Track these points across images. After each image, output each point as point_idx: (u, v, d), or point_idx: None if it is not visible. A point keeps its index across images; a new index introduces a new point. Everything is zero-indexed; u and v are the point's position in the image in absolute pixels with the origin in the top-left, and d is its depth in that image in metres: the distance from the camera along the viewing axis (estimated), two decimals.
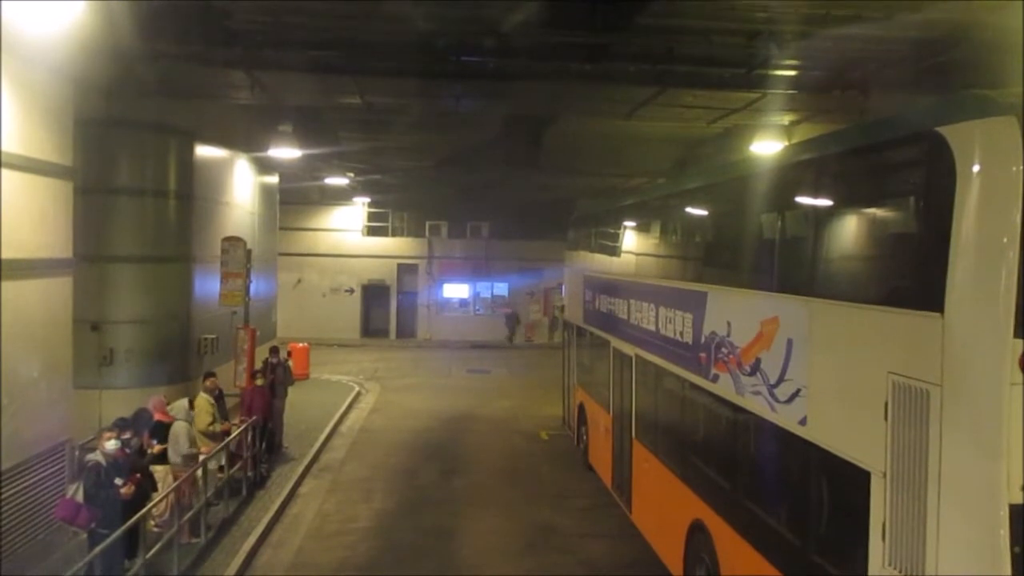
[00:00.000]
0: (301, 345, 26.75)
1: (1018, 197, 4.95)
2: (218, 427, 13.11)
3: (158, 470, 11.23)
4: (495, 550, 12.26)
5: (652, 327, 11.42)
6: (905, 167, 6.28)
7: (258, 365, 16.61)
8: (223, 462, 12.91)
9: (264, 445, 15.17)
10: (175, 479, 11.10)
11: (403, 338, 39.30)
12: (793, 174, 8.05)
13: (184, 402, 12.43)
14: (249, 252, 17.22)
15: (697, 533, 9.51)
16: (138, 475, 9.87)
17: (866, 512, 5.89)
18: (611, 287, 14.38)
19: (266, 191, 24.46)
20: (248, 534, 12.18)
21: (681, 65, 13.00)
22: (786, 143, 16.30)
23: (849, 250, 7.01)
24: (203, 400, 13.06)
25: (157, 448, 11.35)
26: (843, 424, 6.45)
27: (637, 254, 13.37)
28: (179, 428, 11.79)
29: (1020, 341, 4.94)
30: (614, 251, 14.78)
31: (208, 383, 13.44)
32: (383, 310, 39.78)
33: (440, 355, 34.55)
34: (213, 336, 17.37)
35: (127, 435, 10.06)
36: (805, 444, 6.87)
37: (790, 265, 7.72)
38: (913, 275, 5.85)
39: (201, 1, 11.34)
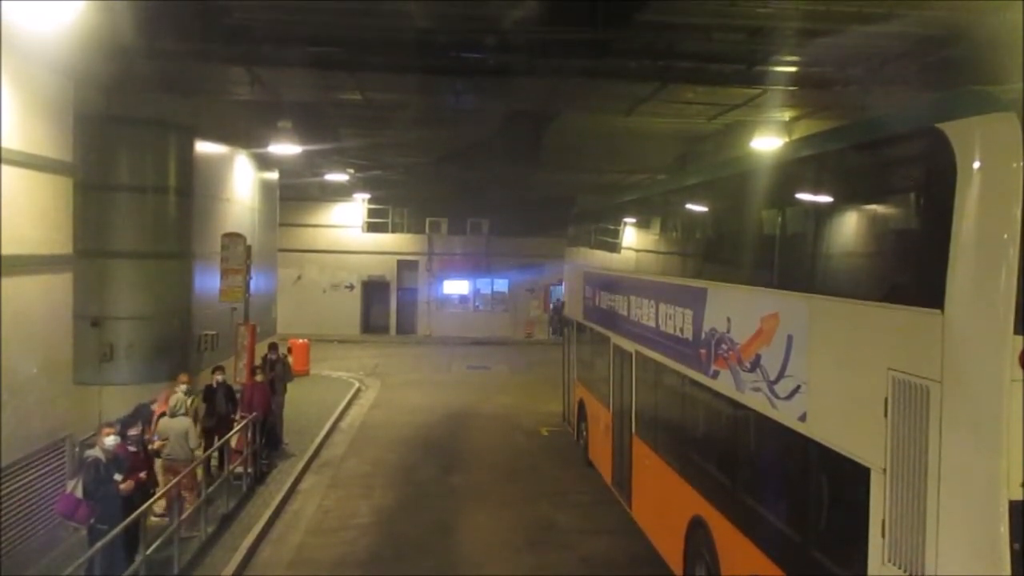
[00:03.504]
0: (301, 341, 26.76)
1: (1018, 194, 4.94)
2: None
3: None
4: (495, 546, 12.27)
5: (652, 323, 11.41)
6: (905, 163, 6.28)
7: (258, 361, 16.62)
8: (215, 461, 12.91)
9: (264, 441, 15.18)
10: (174, 475, 11.11)
11: (403, 334, 39.32)
12: (793, 170, 8.04)
13: (182, 397, 12.38)
14: (249, 248, 17.24)
15: (697, 529, 9.51)
16: (142, 474, 9.88)
17: (866, 508, 5.89)
18: (611, 283, 14.38)
19: (266, 187, 24.47)
20: (248, 530, 12.18)
21: (682, 61, 13.01)
22: (786, 139, 16.30)
23: (849, 246, 7.00)
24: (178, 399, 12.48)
25: (158, 444, 11.37)
26: (843, 420, 6.44)
27: (637, 250, 13.37)
28: (184, 424, 11.78)
29: (1020, 338, 4.93)
30: (615, 247, 14.77)
31: (182, 380, 12.83)
32: (383, 306, 39.79)
33: (440, 351, 34.55)
34: (213, 332, 17.38)
35: (134, 431, 10.07)
36: (805, 440, 6.87)
37: (790, 261, 7.72)
38: (913, 271, 5.85)
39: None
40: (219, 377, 14.11)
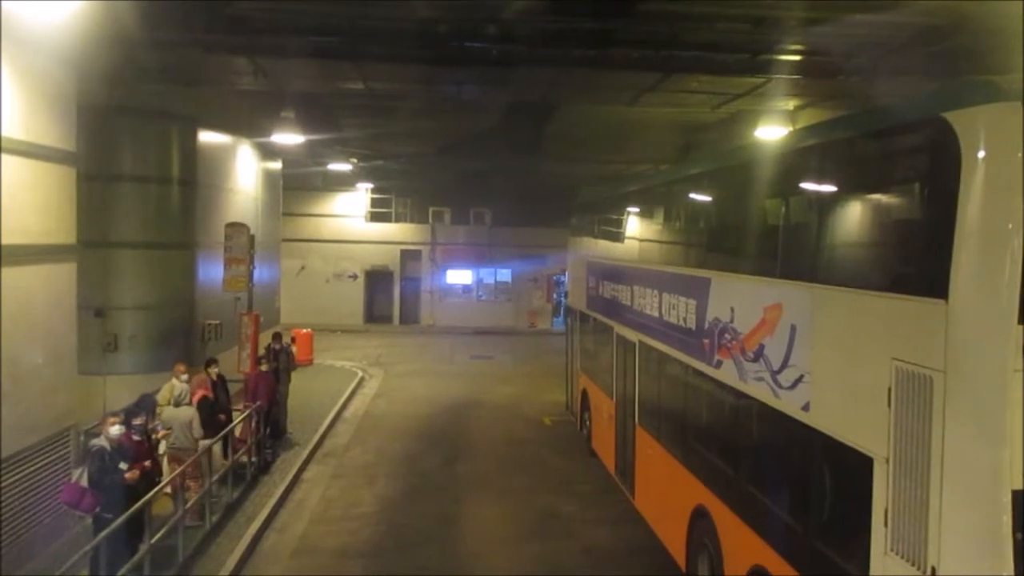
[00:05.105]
0: (305, 331, 26.79)
1: (1022, 183, 4.94)
2: None
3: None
4: (498, 535, 12.31)
5: (655, 313, 11.42)
6: (910, 153, 6.26)
7: (261, 351, 16.63)
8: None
9: (268, 431, 15.21)
10: (179, 465, 11.15)
11: (406, 324, 39.33)
12: (797, 160, 8.03)
13: (185, 386, 12.38)
14: (252, 238, 17.24)
15: (700, 518, 9.54)
16: (147, 463, 9.91)
17: (868, 498, 5.91)
18: (614, 273, 14.37)
19: (269, 177, 24.45)
20: (253, 519, 12.24)
21: (685, 51, 12.96)
22: (790, 129, 16.26)
23: (853, 236, 6.99)
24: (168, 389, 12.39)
25: (162, 434, 11.40)
26: (846, 410, 6.45)
27: (641, 240, 13.36)
28: (188, 413, 11.83)
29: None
30: (618, 237, 14.76)
31: (179, 370, 12.65)
32: (386, 296, 39.79)
33: (443, 341, 34.58)
34: (217, 322, 17.40)
35: (139, 421, 10.10)
36: (808, 430, 6.89)
37: (794, 251, 7.71)
38: (917, 261, 5.84)
39: None
40: (214, 370, 14.02)
